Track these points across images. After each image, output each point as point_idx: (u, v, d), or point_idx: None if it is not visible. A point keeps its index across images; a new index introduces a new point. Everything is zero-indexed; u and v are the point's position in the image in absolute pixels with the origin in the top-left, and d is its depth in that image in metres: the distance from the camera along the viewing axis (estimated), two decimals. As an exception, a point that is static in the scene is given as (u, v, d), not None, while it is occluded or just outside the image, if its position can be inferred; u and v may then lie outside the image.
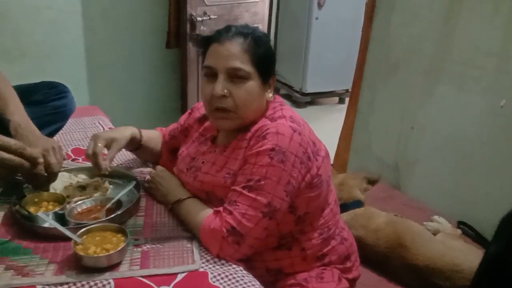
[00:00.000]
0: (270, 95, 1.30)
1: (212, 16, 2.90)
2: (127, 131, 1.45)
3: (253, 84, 1.24)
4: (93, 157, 1.32)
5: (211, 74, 1.25)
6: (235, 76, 1.22)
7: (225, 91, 1.22)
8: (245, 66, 1.22)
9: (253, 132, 1.23)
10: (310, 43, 4.57)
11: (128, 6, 2.94)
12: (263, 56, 1.25)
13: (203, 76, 1.29)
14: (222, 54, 1.23)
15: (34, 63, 2.74)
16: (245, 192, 1.14)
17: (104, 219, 1.21)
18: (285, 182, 1.15)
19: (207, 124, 1.44)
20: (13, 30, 2.64)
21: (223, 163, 1.26)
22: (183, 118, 1.57)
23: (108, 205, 1.28)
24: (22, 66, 2.69)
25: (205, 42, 1.28)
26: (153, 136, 1.59)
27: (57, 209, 1.24)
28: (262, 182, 1.14)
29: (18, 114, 1.38)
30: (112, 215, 1.22)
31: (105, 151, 1.37)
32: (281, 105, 1.30)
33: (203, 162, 1.33)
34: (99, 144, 1.32)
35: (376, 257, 1.68)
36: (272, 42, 1.33)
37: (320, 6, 4.44)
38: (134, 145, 1.50)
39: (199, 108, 1.50)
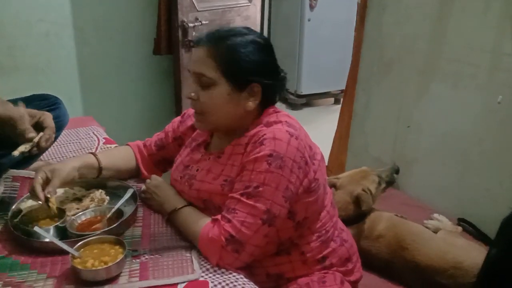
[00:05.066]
0: (250, 103, 1.23)
1: (203, 22, 2.89)
2: (75, 161, 1.37)
3: (219, 91, 1.22)
4: (32, 189, 1.25)
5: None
6: (201, 81, 1.23)
7: (193, 94, 1.25)
8: (209, 72, 1.20)
9: (249, 138, 1.21)
10: (304, 45, 4.58)
11: (119, 15, 2.93)
12: (233, 63, 1.20)
13: None
14: (193, 58, 1.26)
15: (28, 77, 2.73)
16: (243, 199, 1.13)
17: (106, 229, 1.20)
18: (284, 188, 1.14)
19: None
20: (6, 45, 2.63)
21: (220, 170, 1.25)
22: (171, 126, 1.54)
23: (109, 215, 1.28)
24: (16, 80, 2.68)
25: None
26: (121, 155, 1.53)
27: (57, 223, 1.23)
28: (261, 189, 1.12)
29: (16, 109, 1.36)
30: (115, 224, 1.22)
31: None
32: (275, 111, 1.28)
33: (197, 170, 1.31)
34: (38, 177, 1.25)
35: (380, 263, 1.68)
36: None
37: (312, 7, 4.45)
38: (93, 171, 1.42)
39: (190, 115, 1.48)
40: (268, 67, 1.27)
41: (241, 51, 1.21)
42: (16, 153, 1.29)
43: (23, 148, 1.30)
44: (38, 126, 1.36)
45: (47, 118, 1.38)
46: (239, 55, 1.21)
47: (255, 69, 1.23)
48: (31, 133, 1.32)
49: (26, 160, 1.57)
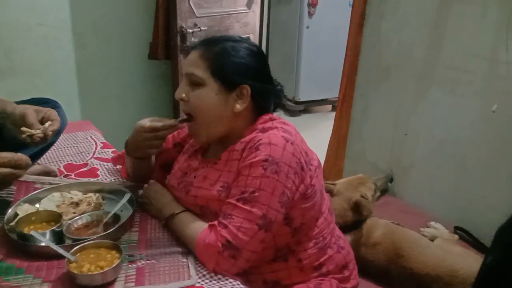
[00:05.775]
0: (238, 105, 1.25)
1: (202, 28, 2.90)
2: None
3: (207, 91, 1.23)
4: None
5: None
6: (191, 81, 1.25)
7: (183, 95, 1.26)
8: (199, 72, 1.23)
9: (245, 144, 1.22)
10: (302, 52, 4.59)
11: (118, 20, 2.94)
12: (222, 62, 1.23)
13: None
14: (186, 62, 1.29)
15: (25, 80, 2.73)
16: (239, 204, 1.13)
17: (103, 233, 1.20)
18: (280, 193, 1.14)
19: None
20: (4, 48, 2.63)
21: (217, 176, 1.25)
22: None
23: (106, 219, 1.27)
24: (14, 83, 2.68)
25: None
26: None
27: (54, 227, 1.22)
28: (257, 194, 1.12)
29: (19, 106, 1.41)
30: (112, 229, 1.21)
31: None
32: (271, 118, 1.29)
33: (195, 177, 1.31)
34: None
35: (376, 270, 1.67)
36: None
37: (310, 15, 4.48)
38: None
39: None
40: (258, 72, 1.28)
41: (232, 53, 1.24)
42: (26, 134, 1.32)
43: (33, 131, 1.34)
44: (44, 122, 1.39)
45: (53, 113, 1.42)
46: (229, 56, 1.24)
47: (244, 71, 1.25)
48: (38, 125, 1.36)
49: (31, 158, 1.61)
